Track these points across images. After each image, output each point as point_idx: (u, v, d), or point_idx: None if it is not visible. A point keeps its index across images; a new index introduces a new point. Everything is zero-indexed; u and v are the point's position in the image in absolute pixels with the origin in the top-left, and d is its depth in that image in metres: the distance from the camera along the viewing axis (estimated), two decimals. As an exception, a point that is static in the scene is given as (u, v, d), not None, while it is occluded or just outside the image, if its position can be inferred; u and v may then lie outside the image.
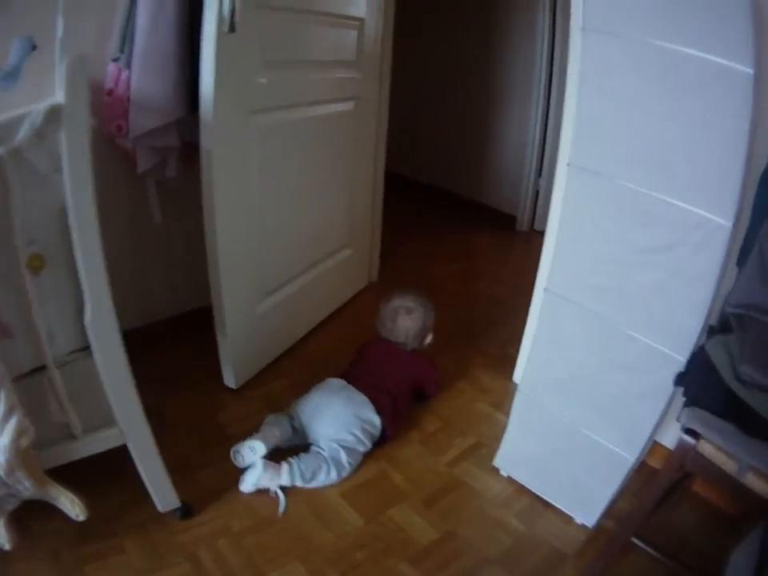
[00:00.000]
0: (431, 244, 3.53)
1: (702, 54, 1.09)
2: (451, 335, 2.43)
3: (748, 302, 1.14)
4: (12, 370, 1.12)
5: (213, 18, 1.48)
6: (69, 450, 1.26)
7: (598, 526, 1.58)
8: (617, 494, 1.52)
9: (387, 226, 2.96)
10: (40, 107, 1.03)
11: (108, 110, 1.69)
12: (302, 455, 1.65)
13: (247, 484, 1.59)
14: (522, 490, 1.70)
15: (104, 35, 1.66)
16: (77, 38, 1.58)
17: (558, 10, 3.19)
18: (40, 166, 1.12)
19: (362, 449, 1.72)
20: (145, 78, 1.62)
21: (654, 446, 1.73)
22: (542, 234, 1.99)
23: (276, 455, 1.65)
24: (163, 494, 1.44)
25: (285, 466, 1.61)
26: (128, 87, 1.64)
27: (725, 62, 1.07)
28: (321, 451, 1.67)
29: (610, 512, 1.57)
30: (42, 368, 1.28)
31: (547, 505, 1.66)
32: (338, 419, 1.70)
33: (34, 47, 1.21)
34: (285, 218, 2.04)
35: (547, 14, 3.25)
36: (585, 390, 1.46)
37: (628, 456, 1.43)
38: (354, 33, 2.17)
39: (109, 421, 1.29)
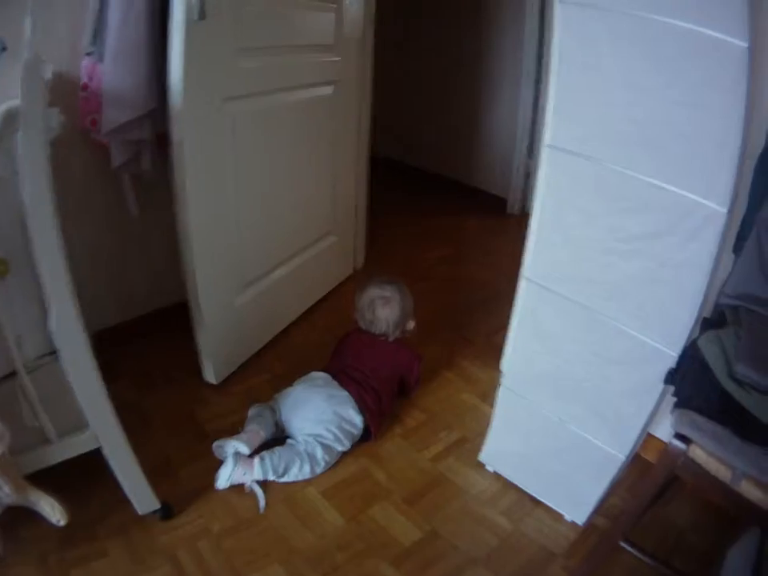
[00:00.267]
0: (419, 229, 3.46)
1: (691, 26, 1.01)
2: (437, 323, 2.38)
3: (744, 292, 1.08)
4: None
5: (181, 5, 1.44)
6: (45, 455, 1.26)
7: (589, 524, 1.53)
8: (608, 490, 1.46)
9: (374, 212, 2.90)
10: (-3, 110, 1.01)
11: (84, 104, 1.67)
12: (277, 449, 1.62)
13: (221, 480, 1.56)
14: (508, 486, 1.65)
15: (78, 30, 1.63)
16: (50, 35, 1.60)
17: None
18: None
19: (339, 447, 1.68)
20: (116, 71, 1.58)
21: (648, 438, 1.67)
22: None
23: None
24: (141, 497, 1.42)
25: (257, 459, 1.58)
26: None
27: (717, 35, 0.98)
28: (296, 445, 1.64)
29: (601, 508, 1.52)
30: (12, 374, 1.27)
31: (536, 502, 1.61)
32: (317, 414, 1.67)
33: (3, 48, 1.18)
34: (263, 207, 1.99)
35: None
36: (571, 385, 1.39)
37: (618, 454, 1.37)
38: (332, 15, 2.10)
39: (82, 425, 1.28)
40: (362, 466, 1.70)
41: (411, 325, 1.99)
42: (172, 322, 2.05)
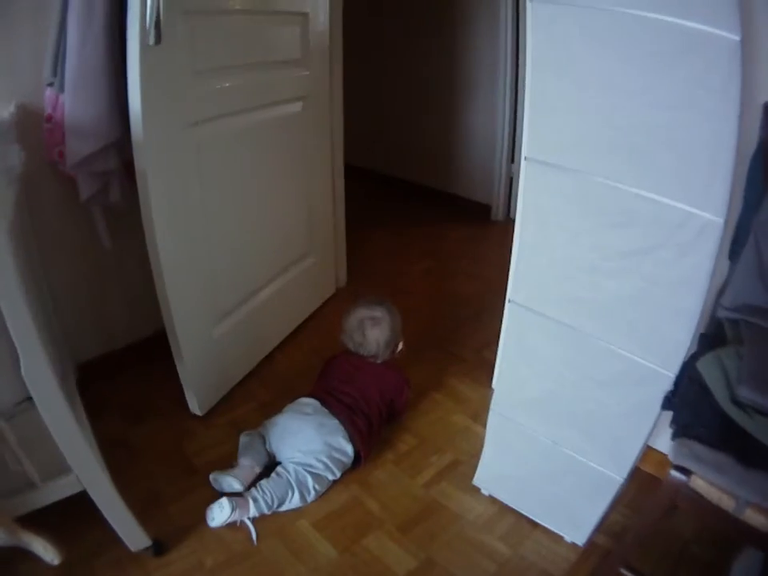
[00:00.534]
0: (402, 241, 3.40)
1: (673, 20, 0.94)
2: (424, 339, 2.33)
3: (743, 303, 1.02)
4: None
5: (135, 32, 1.40)
6: (32, 499, 1.29)
7: (590, 543, 1.49)
8: (608, 510, 1.42)
9: (355, 226, 2.84)
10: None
11: (49, 136, 1.63)
12: (266, 483, 1.58)
13: (216, 522, 1.52)
14: (505, 509, 1.60)
15: (42, 60, 1.59)
16: (13, 66, 1.58)
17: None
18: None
19: (330, 477, 1.64)
20: (77, 100, 1.54)
21: (648, 451, 1.62)
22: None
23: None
24: (131, 535, 1.41)
25: (251, 501, 1.54)
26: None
27: (704, 28, 0.92)
28: (287, 475, 1.60)
29: (602, 527, 1.48)
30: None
31: (534, 524, 1.56)
32: (307, 444, 1.63)
33: None
34: (235, 234, 1.93)
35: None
36: (563, 408, 1.34)
37: (616, 476, 1.32)
38: (298, 29, 2.05)
39: (66, 468, 1.28)
40: (353, 494, 1.65)
41: (401, 346, 1.95)
42: (156, 350, 1.98)
